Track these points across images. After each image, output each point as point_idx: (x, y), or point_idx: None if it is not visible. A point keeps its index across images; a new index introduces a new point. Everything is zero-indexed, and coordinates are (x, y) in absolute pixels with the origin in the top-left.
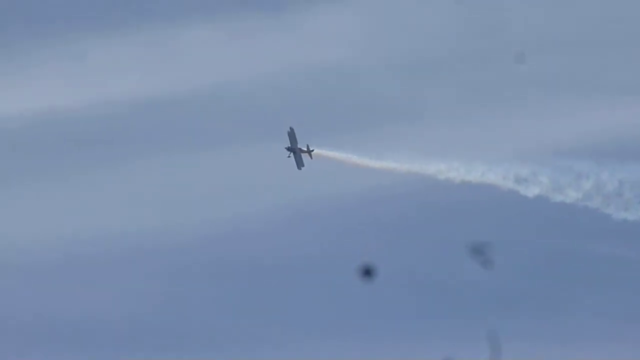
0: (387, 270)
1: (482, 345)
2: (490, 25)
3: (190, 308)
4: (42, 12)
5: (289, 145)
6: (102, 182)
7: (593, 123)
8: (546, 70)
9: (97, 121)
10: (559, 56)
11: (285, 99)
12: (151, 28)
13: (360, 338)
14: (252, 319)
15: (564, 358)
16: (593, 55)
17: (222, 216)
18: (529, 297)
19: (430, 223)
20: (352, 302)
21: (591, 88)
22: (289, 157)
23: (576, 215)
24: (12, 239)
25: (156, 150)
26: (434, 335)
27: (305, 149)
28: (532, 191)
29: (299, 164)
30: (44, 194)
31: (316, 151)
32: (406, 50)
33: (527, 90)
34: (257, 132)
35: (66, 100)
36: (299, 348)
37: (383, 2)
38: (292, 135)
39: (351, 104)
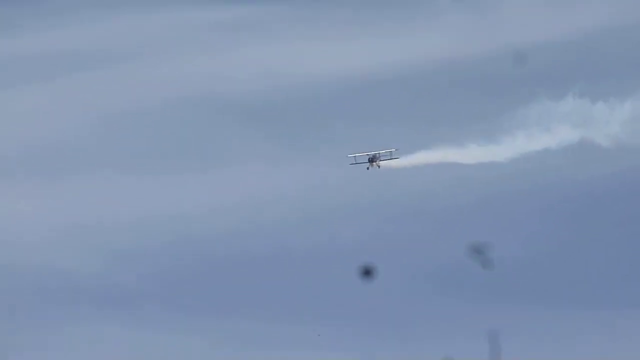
0: None
1: None
2: None
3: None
4: None
5: (374, 156)
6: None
7: None
8: None
9: (499, 68)
10: None
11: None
12: None
13: None
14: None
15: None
16: None
17: None
18: None
19: None
20: None
21: None
22: (368, 169)
23: None
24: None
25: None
26: None
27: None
28: None
29: (355, 165)
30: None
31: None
32: None
33: None
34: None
35: (466, 49)
36: None
37: None
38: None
39: None
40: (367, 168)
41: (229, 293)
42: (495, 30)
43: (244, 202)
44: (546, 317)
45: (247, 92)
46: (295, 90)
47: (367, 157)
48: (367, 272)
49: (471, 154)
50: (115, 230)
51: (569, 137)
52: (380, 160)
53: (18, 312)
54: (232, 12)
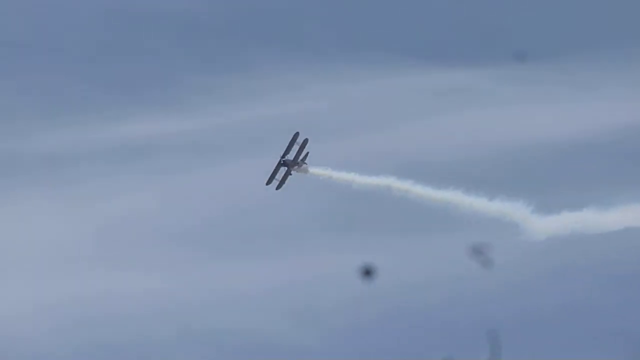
0: None
1: None
2: None
3: None
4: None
5: (286, 159)
6: None
7: None
8: None
9: None
10: None
11: None
12: None
13: None
14: None
15: None
16: None
17: None
18: None
19: None
20: None
21: None
22: (279, 181)
23: None
24: None
25: None
26: None
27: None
28: None
29: (280, 184)
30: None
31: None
32: None
33: None
34: None
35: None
36: None
37: None
38: (295, 142)
39: None
40: (290, 174)
41: None
42: None
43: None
44: None
45: (464, 157)
46: (508, 154)
47: (281, 161)
48: (368, 272)
49: None
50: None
51: None
52: (304, 163)
53: None
54: (447, 77)
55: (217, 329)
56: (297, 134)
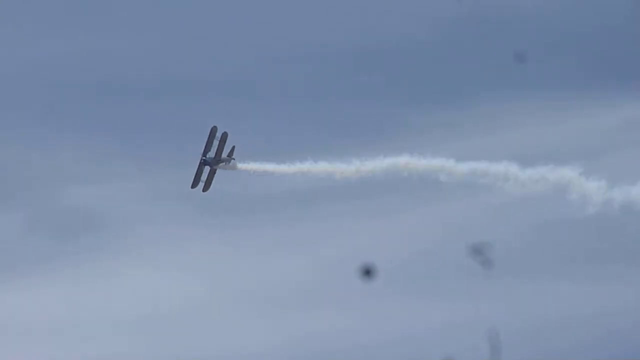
0: None
1: None
2: None
3: None
4: None
5: (207, 157)
6: None
7: None
8: None
9: None
10: None
11: None
12: None
13: None
14: None
15: None
16: None
17: None
18: None
19: None
20: None
21: None
22: (204, 182)
23: None
24: None
25: None
26: None
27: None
28: None
29: (207, 185)
30: None
31: (240, 165)
32: None
33: None
34: None
35: None
36: None
37: None
38: (215, 137)
39: None
40: (215, 172)
41: None
42: None
43: None
44: None
45: None
46: None
47: (202, 160)
48: (367, 272)
49: None
50: None
51: None
52: (231, 158)
53: None
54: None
55: None
56: (214, 128)
